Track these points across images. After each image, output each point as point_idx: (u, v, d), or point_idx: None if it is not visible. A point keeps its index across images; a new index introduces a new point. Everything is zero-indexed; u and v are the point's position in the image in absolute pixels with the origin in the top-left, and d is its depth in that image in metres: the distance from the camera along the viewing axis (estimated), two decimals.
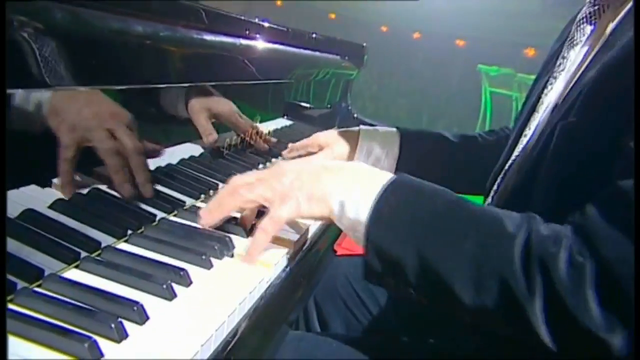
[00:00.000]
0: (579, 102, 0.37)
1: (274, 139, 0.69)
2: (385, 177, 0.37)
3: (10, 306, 0.27)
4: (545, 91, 0.47)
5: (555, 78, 0.46)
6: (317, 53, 0.86)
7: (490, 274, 0.31)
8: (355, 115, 1.09)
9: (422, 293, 0.35)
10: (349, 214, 0.36)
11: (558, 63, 0.46)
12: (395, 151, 0.62)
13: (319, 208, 0.38)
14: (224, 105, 0.59)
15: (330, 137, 0.64)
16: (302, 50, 0.79)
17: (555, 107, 0.43)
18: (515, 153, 0.47)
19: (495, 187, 0.49)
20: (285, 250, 0.42)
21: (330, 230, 0.52)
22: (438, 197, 0.36)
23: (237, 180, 0.41)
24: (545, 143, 0.40)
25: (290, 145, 0.66)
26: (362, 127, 0.65)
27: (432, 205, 0.35)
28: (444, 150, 0.64)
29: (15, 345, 0.25)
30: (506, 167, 0.48)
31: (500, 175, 0.49)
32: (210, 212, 0.41)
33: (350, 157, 0.64)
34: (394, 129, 0.65)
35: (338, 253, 0.59)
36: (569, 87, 0.42)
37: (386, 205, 0.35)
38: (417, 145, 0.63)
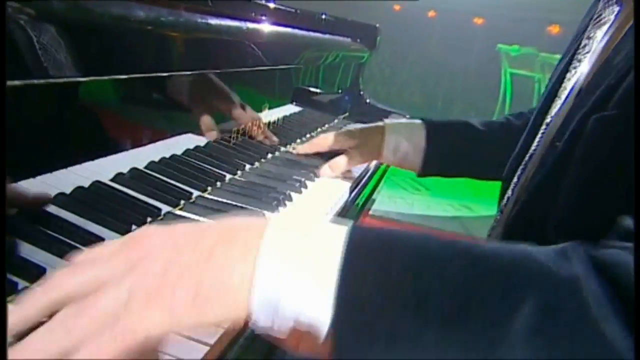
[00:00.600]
0: (620, 94, 0.32)
1: (275, 138, 0.66)
2: (332, 235, 0.22)
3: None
4: (569, 75, 0.43)
5: (579, 61, 0.42)
6: (327, 35, 0.83)
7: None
8: (367, 101, 1.06)
9: None
10: (287, 312, 0.21)
11: (583, 44, 0.42)
12: (422, 145, 0.59)
13: (215, 311, 0.21)
14: (227, 99, 0.57)
15: (354, 138, 0.59)
16: (310, 33, 0.76)
17: (580, 92, 0.39)
18: (536, 142, 0.44)
19: (515, 178, 0.46)
20: None
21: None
22: (444, 260, 0.21)
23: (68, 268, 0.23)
24: (572, 134, 0.36)
25: (306, 145, 0.62)
26: (385, 121, 0.62)
27: (442, 277, 0.20)
28: (471, 139, 0.61)
29: None
30: (527, 157, 0.45)
31: (521, 167, 0.45)
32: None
33: (378, 156, 0.60)
34: (419, 121, 0.61)
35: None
36: (595, 71, 0.38)
37: (361, 290, 0.20)
38: (444, 136, 0.60)
